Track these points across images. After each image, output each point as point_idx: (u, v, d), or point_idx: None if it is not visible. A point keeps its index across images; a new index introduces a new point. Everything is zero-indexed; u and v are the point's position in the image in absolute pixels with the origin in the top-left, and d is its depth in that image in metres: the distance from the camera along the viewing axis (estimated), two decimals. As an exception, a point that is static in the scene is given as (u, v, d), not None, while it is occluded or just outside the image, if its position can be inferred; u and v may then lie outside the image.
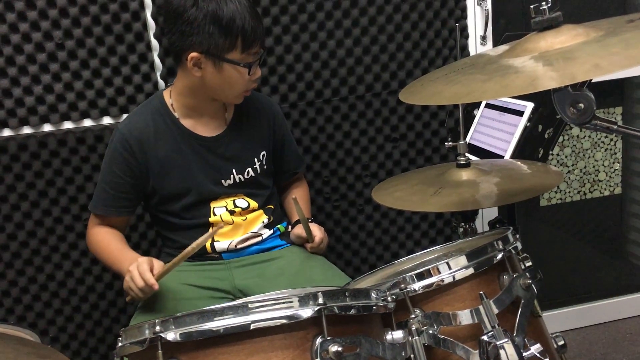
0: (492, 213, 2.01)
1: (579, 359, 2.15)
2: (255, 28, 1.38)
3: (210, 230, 1.42)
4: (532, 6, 0.98)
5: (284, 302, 0.85)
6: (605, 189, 2.34)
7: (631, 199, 2.38)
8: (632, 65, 0.80)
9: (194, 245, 1.29)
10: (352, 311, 0.89)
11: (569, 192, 2.31)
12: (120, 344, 0.91)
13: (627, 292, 2.40)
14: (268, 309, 0.84)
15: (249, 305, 0.84)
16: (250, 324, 0.82)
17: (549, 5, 0.98)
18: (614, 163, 2.32)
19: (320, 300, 0.85)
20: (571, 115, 1.02)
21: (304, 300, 0.85)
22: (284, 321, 0.83)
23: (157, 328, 0.83)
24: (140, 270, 1.30)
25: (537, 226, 2.33)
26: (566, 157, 2.28)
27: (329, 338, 0.84)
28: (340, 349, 0.82)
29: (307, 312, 0.84)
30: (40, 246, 1.83)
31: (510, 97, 1.61)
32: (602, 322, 2.36)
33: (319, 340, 0.84)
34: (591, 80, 1.34)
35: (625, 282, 2.42)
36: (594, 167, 2.30)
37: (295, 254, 1.60)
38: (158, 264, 1.34)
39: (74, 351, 1.91)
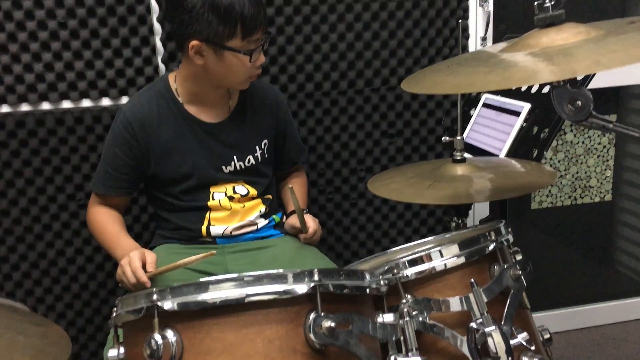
0: (484, 212, 2.03)
1: (562, 361, 2.17)
2: (255, 15, 1.36)
3: (209, 252, 1.36)
4: (536, 3, 1.00)
5: (279, 278, 0.86)
6: (595, 195, 2.37)
7: (621, 207, 2.41)
8: (631, 62, 0.81)
9: (192, 258, 1.29)
10: (346, 290, 0.91)
11: (560, 196, 2.34)
12: (115, 313, 0.92)
13: (612, 298, 2.43)
14: (264, 283, 0.85)
15: (245, 279, 0.85)
16: (245, 297, 0.84)
17: (552, 3, 1.00)
18: (605, 170, 2.35)
19: (316, 277, 0.87)
20: (568, 112, 1.04)
21: (299, 277, 0.87)
22: (278, 296, 0.85)
23: (154, 297, 0.84)
24: (132, 267, 1.30)
25: (527, 228, 2.36)
26: (559, 161, 2.30)
27: (322, 314, 0.85)
28: (333, 324, 0.84)
29: (302, 288, 0.85)
30: (33, 224, 1.83)
31: (508, 98, 1.63)
32: (587, 327, 2.39)
33: (312, 315, 0.85)
34: (590, 81, 1.37)
35: (611, 288, 2.45)
36: (585, 173, 2.33)
37: (288, 244, 1.61)
38: (151, 258, 1.34)
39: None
